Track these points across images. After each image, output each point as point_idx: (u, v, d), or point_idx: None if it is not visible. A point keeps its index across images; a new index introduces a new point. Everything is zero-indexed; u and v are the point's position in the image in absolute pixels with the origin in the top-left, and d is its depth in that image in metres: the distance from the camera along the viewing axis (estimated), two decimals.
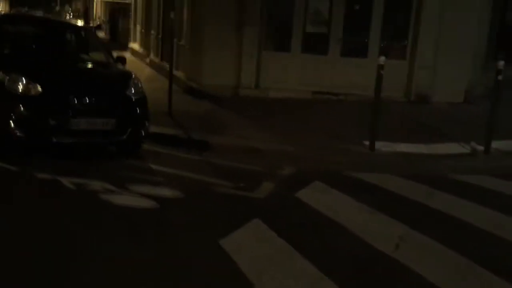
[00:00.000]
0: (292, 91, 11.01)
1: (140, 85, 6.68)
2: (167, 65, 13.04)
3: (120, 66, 7.19)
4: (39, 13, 29.67)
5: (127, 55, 20.94)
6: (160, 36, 15.90)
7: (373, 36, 11.42)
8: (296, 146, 7.38)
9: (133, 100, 6.44)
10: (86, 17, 24.71)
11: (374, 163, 7.03)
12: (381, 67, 7.21)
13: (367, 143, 7.41)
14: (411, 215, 5.09)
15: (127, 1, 25.33)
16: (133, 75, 6.81)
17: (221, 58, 10.99)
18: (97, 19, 41.87)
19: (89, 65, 7.17)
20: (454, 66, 11.11)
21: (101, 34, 32.23)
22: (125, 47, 22.49)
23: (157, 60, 15.71)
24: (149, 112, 6.70)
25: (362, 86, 10.97)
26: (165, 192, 5.31)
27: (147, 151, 6.80)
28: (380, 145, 7.38)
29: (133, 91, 6.49)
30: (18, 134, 5.76)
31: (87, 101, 5.99)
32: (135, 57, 19.53)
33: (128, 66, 17.05)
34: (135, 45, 20.91)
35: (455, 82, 11.27)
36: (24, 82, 5.89)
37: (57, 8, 61.07)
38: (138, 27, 20.66)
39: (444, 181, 6.39)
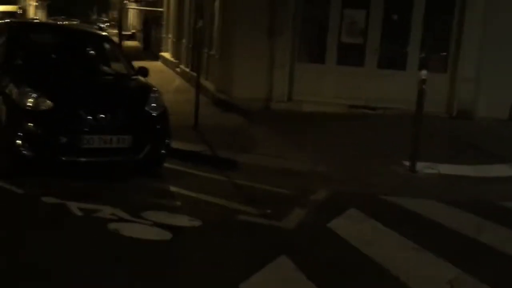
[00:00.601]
0: (326, 105, 10.40)
1: (160, 99, 6.20)
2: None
3: (140, 78, 6.71)
4: (75, 22, 29.83)
5: (159, 64, 20.84)
6: (190, 45, 15.53)
7: (412, 46, 10.74)
8: (330, 166, 6.80)
9: (153, 115, 5.96)
10: (120, 25, 24.52)
11: (416, 186, 6.38)
12: (423, 81, 6.56)
13: (407, 163, 6.77)
14: (461, 253, 4.44)
15: (160, 10, 25.18)
16: (154, 88, 6.33)
17: (252, 69, 10.50)
18: (132, 28, 42.07)
19: (106, 78, 6.71)
20: (500, 79, 10.32)
21: (134, 43, 32.33)
22: (157, 56, 22.30)
23: (187, 70, 15.34)
24: (170, 129, 6.21)
25: (400, 100, 10.30)
26: (182, 220, 4.79)
27: (168, 170, 6.32)
28: (421, 166, 6.73)
29: (152, 106, 6.01)
30: (25, 152, 5.32)
31: (101, 117, 5.51)
32: (167, 66, 19.31)
33: (158, 76, 16.76)
34: (166, 54, 20.68)
35: (501, 97, 10.47)
36: (34, 96, 5.45)
37: (94, 17, 62.03)
38: (170, 36, 20.41)
39: (495, 209, 5.71)
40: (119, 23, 25.98)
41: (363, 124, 9.67)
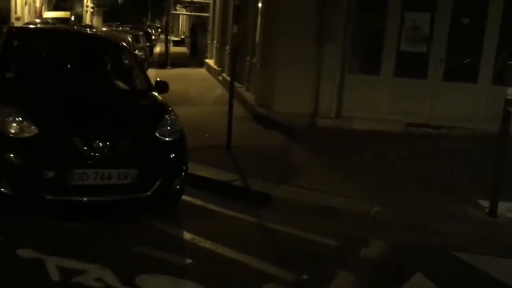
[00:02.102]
0: (381, 122, 9.04)
1: (176, 122, 5.05)
2: (238, 85, 11.57)
3: (155, 95, 5.58)
4: (127, 28, 29.36)
5: (202, 71, 19.89)
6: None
7: (486, 56, 9.17)
8: (385, 205, 5.47)
9: (165, 142, 4.82)
10: (167, 31, 23.97)
11: (498, 237, 4.97)
12: (509, 102, 5.15)
13: (485, 204, 5.38)
14: None
15: (206, 15, 24.35)
16: (169, 109, 5.19)
17: (296, 81, 9.25)
18: (182, 34, 41.62)
19: (112, 95, 5.54)
20: None
21: (183, 49, 31.64)
22: (203, 63, 21.43)
23: (229, 78, 14.23)
24: (187, 158, 5.06)
25: (469, 118, 8.93)
26: None
27: (186, 205, 5.22)
28: (504, 208, 5.33)
29: (165, 130, 4.87)
30: (2, 190, 4.30)
31: (99, 146, 4.40)
32: (210, 74, 18.37)
33: (200, 84, 15.65)
34: (210, 62, 19.72)
35: None
36: (17, 119, 4.43)
37: (148, 22, 62.30)
38: (215, 42, 19.45)
39: None
40: (166, 29, 25.42)
41: (424, 147, 8.24)
